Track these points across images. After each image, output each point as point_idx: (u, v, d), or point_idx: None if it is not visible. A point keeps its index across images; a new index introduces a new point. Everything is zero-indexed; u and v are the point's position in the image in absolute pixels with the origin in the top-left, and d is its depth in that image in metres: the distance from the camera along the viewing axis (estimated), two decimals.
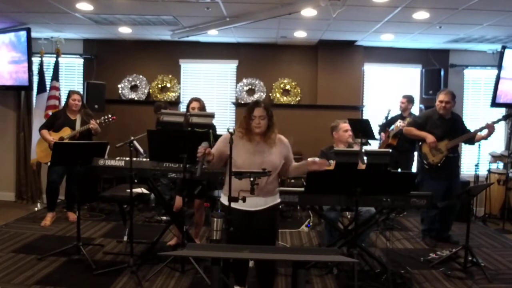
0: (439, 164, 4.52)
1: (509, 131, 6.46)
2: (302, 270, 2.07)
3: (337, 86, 6.51)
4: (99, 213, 5.65)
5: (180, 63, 6.71)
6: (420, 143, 4.71)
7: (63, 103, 5.82)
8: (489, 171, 6.16)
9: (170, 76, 6.63)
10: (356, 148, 4.26)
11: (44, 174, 5.90)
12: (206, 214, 4.54)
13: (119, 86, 6.59)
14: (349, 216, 5.05)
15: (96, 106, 6.06)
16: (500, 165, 6.40)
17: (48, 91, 6.09)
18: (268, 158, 2.92)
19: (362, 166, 3.75)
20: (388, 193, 3.47)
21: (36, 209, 5.98)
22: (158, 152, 3.64)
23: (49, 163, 5.01)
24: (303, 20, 4.99)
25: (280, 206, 3.32)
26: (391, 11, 4.56)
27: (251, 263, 3.30)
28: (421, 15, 4.65)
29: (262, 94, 6.60)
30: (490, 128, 4.47)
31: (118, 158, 3.98)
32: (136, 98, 6.61)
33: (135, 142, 3.90)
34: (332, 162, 3.65)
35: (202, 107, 4.40)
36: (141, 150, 5.16)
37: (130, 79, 6.61)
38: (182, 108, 6.47)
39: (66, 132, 5.02)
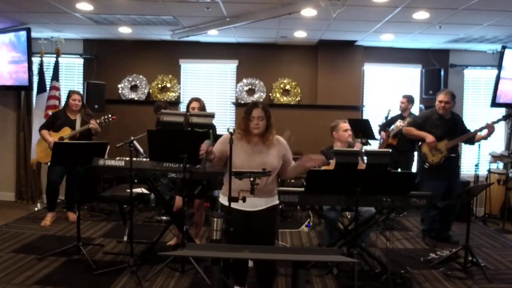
0: (439, 164, 4.52)
1: (509, 131, 6.46)
2: (302, 270, 2.07)
3: (337, 86, 6.51)
4: (99, 213, 5.65)
5: (180, 63, 6.71)
6: (420, 143, 4.71)
7: (63, 103, 5.82)
8: (489, 171, 6.16)
9: (170, 76, 6.63)
10: (357, 148, 4.26)
11: (44, 174, 5.91)
12: (206, 214, 4.54)
13: (119, 86, 6.59)
14: (349, 216, 5.06)
15: (96, 106, 6.06)
16: (500, 165, 6.40)
17: (48, 91, 6.09)
18: (267, 159, 2.92)
19: (362, 166, 3.75)
20: (388, 193, 3.47)
21: (36, 209, 5.98)
22: (158, 152, 3.64)
23: (49, 163, 5.01)
24: (303, 20, 4.99)
25: (280, 206, 3.32)
26: (391, 11, 4.56)
27: (250, 263, 3.30)
28: (421, 15, 4.65)
29: (262, 94, 6.60)
30: (490, 128, 4.47)
31: (118, 158, 3.98)
32: (136, 98, 6.61)
33: (135, 142, 3.90)
34: (332, 162, 3.65)
35: (202, 107, 4.40)
36: (141, 150, 5.16)
37: (130, 79, 6.61)
38: (182, 108, 6.47)
39: (66, 132, 5.02)
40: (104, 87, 6.31)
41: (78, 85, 6.56)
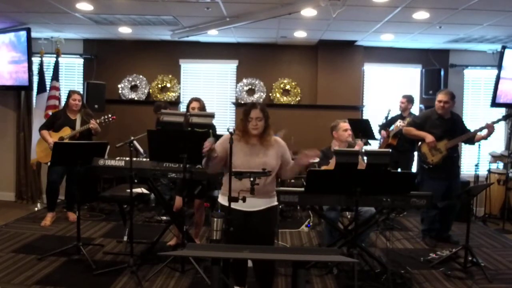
0: (438, 164, 4.52)
1: (509, 131, 6.46)
2: (302, 270, 2.07)
3: (337, 86, 6.51)
4: (99, 213, 5.65)
5: (180, 63, 6.71)
6: (419, 143, 4.71)
7: (63, 103, 5.82)
8: (489, 171, 6.16)
9: (170, 76, 6.63)
10: (358, 147, 4.26)
11: (44, 174, 5.91)
12: (206, 214, 4.54)
13: (119, 86, 6.59)
14: (349, 216, 5.06)
15: (96, 106, 6.06)
16: (500, 165, 6.40)
17: (48, 91, 6.09)
18: (265, 159, 2.93)
19: (362, 166, 3.75)
20: (388, 193, 3.47)
21: (36, 209, 5.98)
22: (158, 152, 3.64)
23: (49, 163, 5.01)
24: (303, 20, 4.99)
25: (280, 206, 3.32)
26: (391, 11, 4.56)
27: (249, 263, 3.30)
28: (421, 15, 4.65)
29: (262, 94, 6.60)
30: (490, 128, 4.47)
31: (118, 158, 3.98)
32: (136, 98, 6.61)
33: (135, 142, 3.90)
34: (332, 161, 3.65)
35: (202, 107, 4.40)
36: (141, 150, 5.16)
37: (130, 79, 6.61)
38: (182, 108, 6.47)
39: (66, 132, 5.02)
40: (104, 87, 6.31)
41: (78, 85, 6.56)
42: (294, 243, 4.79)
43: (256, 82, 6.60)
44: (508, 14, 4.48)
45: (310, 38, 6.19)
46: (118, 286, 3.48)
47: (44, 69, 6.19)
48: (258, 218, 2.94)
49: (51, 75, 6.17)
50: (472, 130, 4.57)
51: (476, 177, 5.75)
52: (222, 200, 3.01)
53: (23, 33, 5.69)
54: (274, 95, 6.60)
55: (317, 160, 4.64)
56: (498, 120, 4.58)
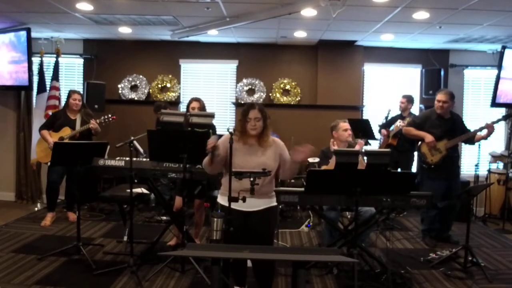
0: (438, 164, 4.52)
1: (509, 131, 6.46)
2: (302, 270, 2.07)
3: (337, 86, 6.51)
4: (99, 213, 5.65)
5: (180, 63, 6.71)
6: (419, 143, 4.71)
7: (63, 103, 5.82)
8: (489, 171, 6.16)
9: (170, 76, 6.63)
10: (358, 147, 4.26)
11: (44, 174, 5.91)
12: (206, 214, 4.54)
13: (119, 86, 6.59)
14: (349, 216, 5.06)
15: (96, 106, 6.06)
16: (500, 165, 6.40)
17: (48, 91, 6.09)
18: (263, 160, 2.93)
19: (362, 166, 3.75)
20: (388, 193, 3.47)
21: (36, 209, 5.98)
22: (158, 152, 3.64)
23: (49, 163, 5.01)
24: (303, 20, 4.99)
25: (280, 206, 3.32)
26: (391, 11, 4.56)
27: (249, 263, 3.30)
28: (421, 15, 4.65)
29: (262, 94, 6.60)
30: (490, 128, 4.46)
31: (118, 158, 3.98)
32: (136, 98, 6.61)
33: (135, 142, 3.90)
34: (332, 161, 3.64)
35: (202, 107, 4.40)
36: (141, 150, 5.16)
37: (130, 79, 6.61)
38: (182, 108, 6.47)
39: (66, 132, 5.02)
40: (104, 87, 6.31)
41: (78, 85, 6.55)
42: (294, 243, 4.79)
43: (256, 82, 6.60)
44: (508, 14, 4.48)
45: (310, 38, 6.19)
46: (118, 286, 3.49)
47: (44, 69, 6.20)
48: (257, 218, 2.95)
49: (51, 75, 6.17)
50: (472, 130, 4.57)
51: (476, 177, 5.75)
52: (221, 200, 3.02)
53: (23, 33, 5.69)
54: (274, 95, 6.60)
55: (317, 160, 4.65)
56: (498, 120, 4.58)
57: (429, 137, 4.51)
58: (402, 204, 3.60)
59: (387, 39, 5.99)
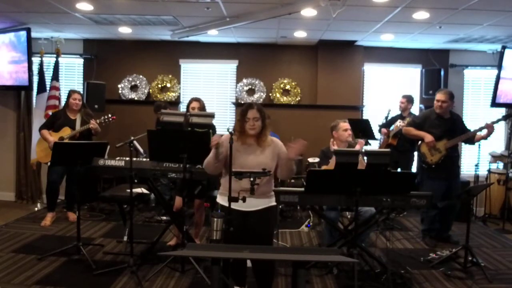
0: (438, 164, 4.52)
1: (509, 131, 6.46)
2: (302, 270, 2.07)
3: (337, 86, 6.51)
4: (99, 213, 5.65)
5: (180, 63, 6.71)
6: (419, 143, 4.71)
7: (63, 103, 5.82)
8: (489, 171, 6.16)
9: (170, 76, 6.63)
10: (358, 147, 4.26)
11: (44, 174, 5.91)
12: (206, 214, 4.54)
13: (119, 86, 6.59)
14: (349, 216, 5.06)
15: (96, 106, 6.06)
16: (500, 165, 6.40)
17: (48, 91, 6.09)
18: (262, 159, 2.94)
19: (362, 166, 3.75)
20: (388, 193, 3.47)
21: (36, 209, 5.98)
22: (158, 152, 3.64)
23: (49, 163, 5.01)
24: (303, 20, 4.99)
25: (280, 206, 3.32)
26: (391, 11, 4.56)
27: (248, 263, 3.30)
28: (421, 15, 4.65)
29: (262, 94, 6.60)
30: (490, 128, 4.46)
31: (118, 158, 3.98)
32: (136, 98, 6.61)
33: (135, 142, 3.90)
34: (332, 161, 3.64)
35: (202, 107, 4.40)
36: (141, 150, 5.16)
37: (130, 79, 6.61)
38: (182, 108, 6.48)
39: (66, 132, 5.02)
40: (104, 87, 6.31)
41: (78, 85, 6.55)
42: (294, 243, 4.79)
43: (256, 82, 6.60)
44: (508, 14, 4.48)
45: (310, 38, 6.19)
46: (118, 286, 3.49)
47: (44, 69, 6.20)
48: (256, 218, 2.95)
49: (51, 75, 6.17)
50: (471, 130, 4.57)
51: (476, 177, 5.75)
52: (221, 200, 3.02)
53: (23, 33, 5.69)
54: (274, 95, 6.60)
55: (317, 160, 4.65)
56: (498, 120, 4.58)
57: (428, 137, 4.51)
58: (402, 204, 3.60)
59: (387, 39, 5.99)
